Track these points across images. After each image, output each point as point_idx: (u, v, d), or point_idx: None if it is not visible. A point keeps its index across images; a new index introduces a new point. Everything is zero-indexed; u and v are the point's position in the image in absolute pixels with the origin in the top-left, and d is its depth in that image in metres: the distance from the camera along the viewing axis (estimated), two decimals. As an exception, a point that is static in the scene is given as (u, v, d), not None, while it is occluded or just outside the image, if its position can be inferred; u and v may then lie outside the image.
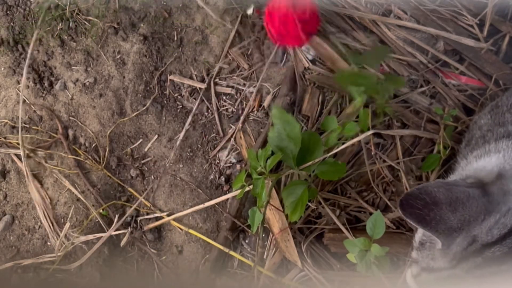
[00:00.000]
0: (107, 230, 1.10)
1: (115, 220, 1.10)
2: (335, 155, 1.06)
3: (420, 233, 0.68)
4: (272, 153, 0.96)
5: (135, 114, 1.17)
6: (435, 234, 0.62)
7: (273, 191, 1.02)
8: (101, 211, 1.12)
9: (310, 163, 0.95)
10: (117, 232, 1.10)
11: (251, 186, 1.02)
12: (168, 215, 1.13)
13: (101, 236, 1.09)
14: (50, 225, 1.14)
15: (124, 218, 1.11)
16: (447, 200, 0.61)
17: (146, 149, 1.17)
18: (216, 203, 1.12)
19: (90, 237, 1.10)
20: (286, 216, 1.03)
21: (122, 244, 1.11)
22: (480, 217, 0.61)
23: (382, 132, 1.04)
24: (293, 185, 0.95)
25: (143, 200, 1.14)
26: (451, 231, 0.61)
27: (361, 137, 0.97)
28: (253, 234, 1.10)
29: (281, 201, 1.06)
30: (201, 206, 1.11)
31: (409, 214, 0.61)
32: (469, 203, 0.61)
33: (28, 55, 1.13)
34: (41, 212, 1.15)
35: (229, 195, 1.11)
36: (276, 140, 0.97)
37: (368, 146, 1.03)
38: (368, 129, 0.98)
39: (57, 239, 1.10)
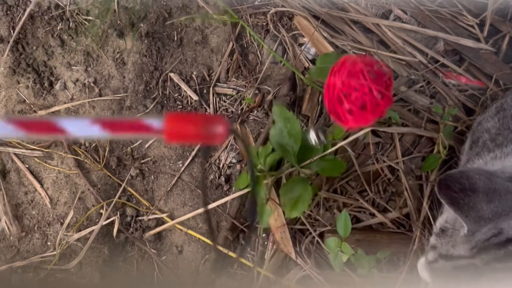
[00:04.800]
0: (111, 232, 1.10)
1: (104, 211, 1.10)
2: (335, 154, 1.06)
3: (442, 219, 0.68)
4: (273, 151, 0.96)
5: (135, 114, 1.17)
6: (464, 220, 0.62)
7: (273, 190, 1.02)
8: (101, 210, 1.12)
9: (309, 161, 0.95)
10: (107, 221, 1.10)
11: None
12: (168, 216, 1.13)
13: (93, 230, 1.09)
14: (50, 224, 1.14)
15: (112, 204, 1.11)
16: (486, 190, 0.61)
17: (146, 149, 1.17)
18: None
19: (83, 232, 1.10)
20: (283, 213, 1.03)
21: (114, 233, 1.11)
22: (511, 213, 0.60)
23: (379, 129, 1.04)
24: (292, 182, 0.95)
25: (142, 200, 1.14)
26: (480, 219, 0.61)
27: (359, 134, 0.97)
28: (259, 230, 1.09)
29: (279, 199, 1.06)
30: (200, 210, 1.11)
31: (444, 195, 0.62)
32: (506, 196, 0.60)
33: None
34: (40, 212, 1.15)
35: (228, 198, 1.10)
36: (277, 137, 0.97)
37: (363, 151, 1.03)
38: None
39: (56, 239, 1.10)
